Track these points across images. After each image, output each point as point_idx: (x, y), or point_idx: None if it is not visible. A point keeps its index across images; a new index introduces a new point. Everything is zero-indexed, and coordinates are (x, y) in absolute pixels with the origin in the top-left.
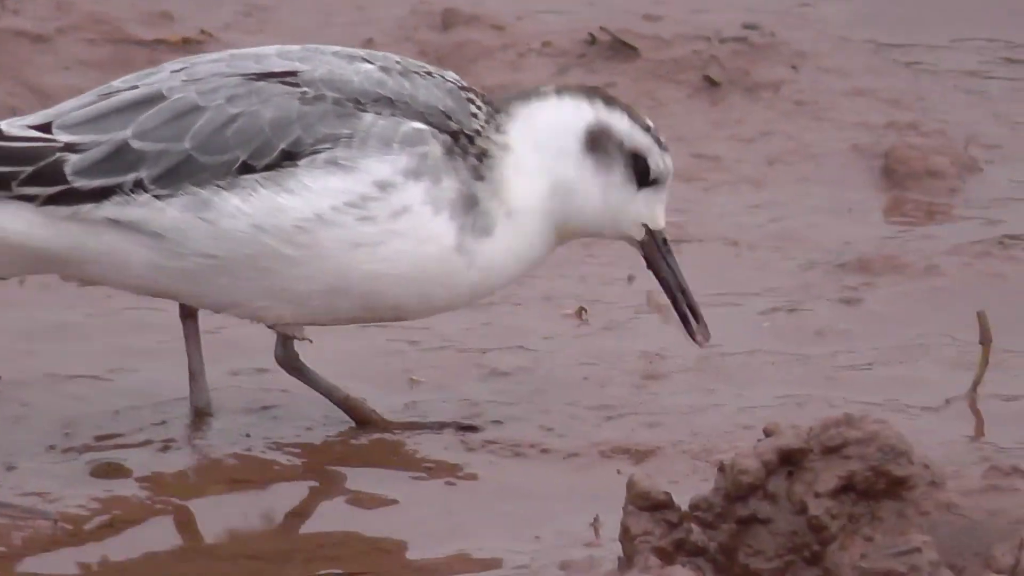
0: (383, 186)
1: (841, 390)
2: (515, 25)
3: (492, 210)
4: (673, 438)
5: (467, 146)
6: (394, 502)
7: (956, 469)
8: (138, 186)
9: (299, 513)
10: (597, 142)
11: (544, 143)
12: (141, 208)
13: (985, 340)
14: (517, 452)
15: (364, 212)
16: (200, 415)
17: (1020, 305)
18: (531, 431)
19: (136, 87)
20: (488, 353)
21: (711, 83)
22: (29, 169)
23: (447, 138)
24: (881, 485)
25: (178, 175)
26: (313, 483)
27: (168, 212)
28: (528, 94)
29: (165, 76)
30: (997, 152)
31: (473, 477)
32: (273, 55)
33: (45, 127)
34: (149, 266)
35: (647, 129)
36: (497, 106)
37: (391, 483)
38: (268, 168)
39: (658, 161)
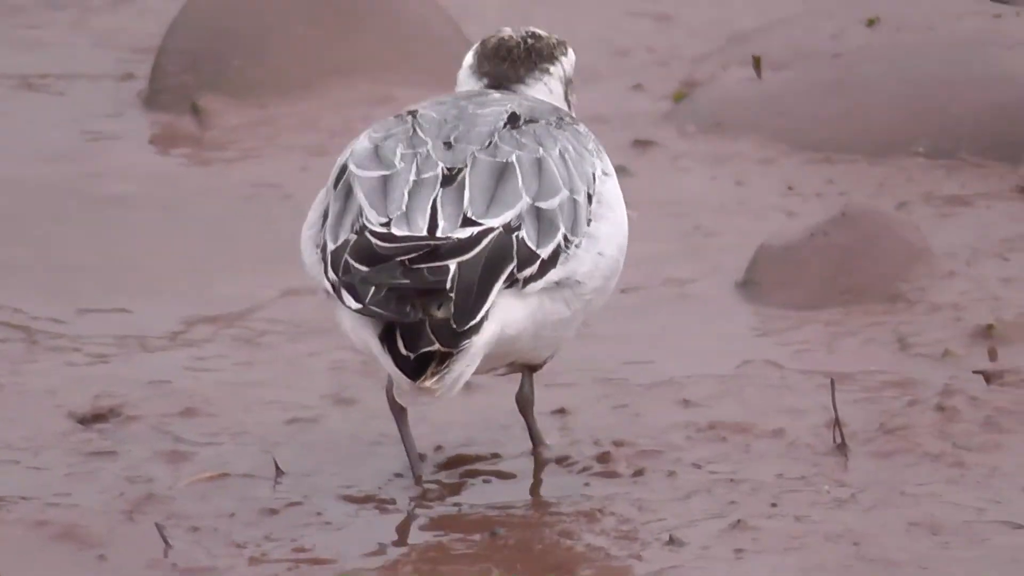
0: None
1: None
2: None
3: None
4: None
5: None
6: None
7: None
8: (566, 242)
9: None
10: None
11: None
12: (572, 261)
13: None
14: None
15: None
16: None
17: None
18: None
19: (449, 168)
20: None
21: None
22: (515, 258)
23: None
24: None
25: (577, 222)
26: None
27: (582, 257)
28: None
29: (472, 148)
30: None
31: None
32: (486, 100)
33: (469, 221)
34: (557, 324)
35: None
36: None
37: None
38: (590, 196)
39: None
